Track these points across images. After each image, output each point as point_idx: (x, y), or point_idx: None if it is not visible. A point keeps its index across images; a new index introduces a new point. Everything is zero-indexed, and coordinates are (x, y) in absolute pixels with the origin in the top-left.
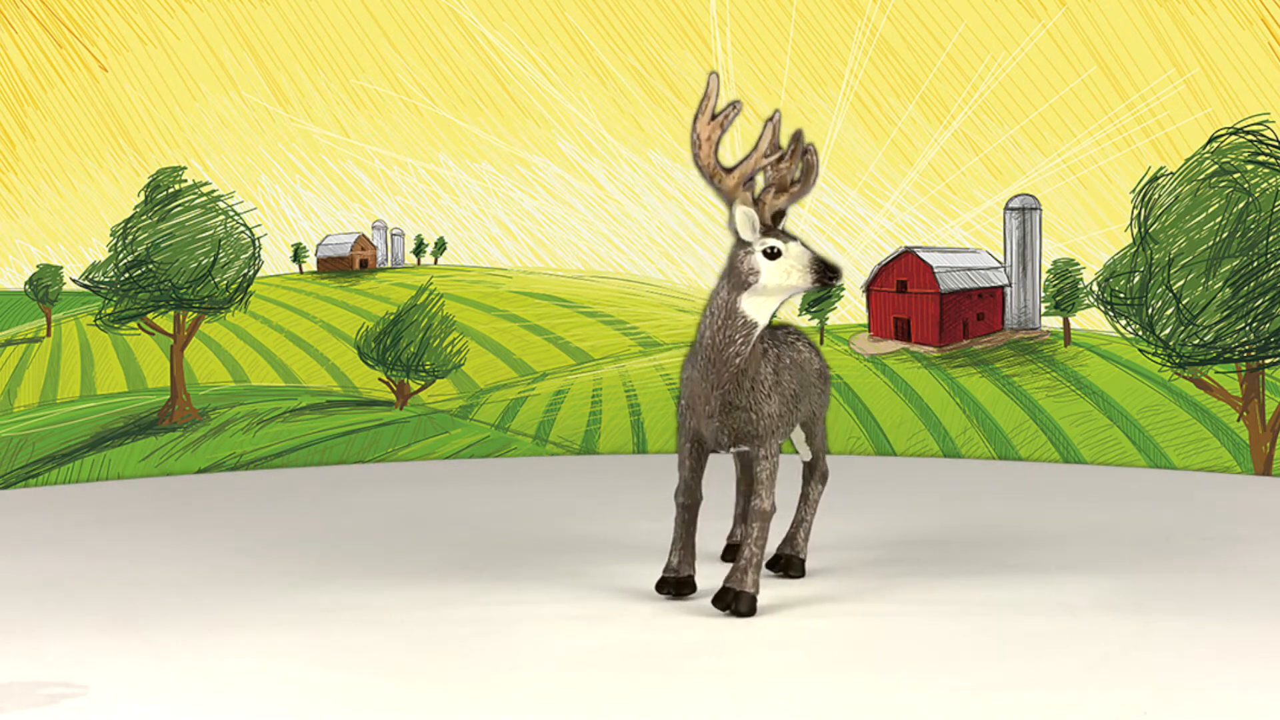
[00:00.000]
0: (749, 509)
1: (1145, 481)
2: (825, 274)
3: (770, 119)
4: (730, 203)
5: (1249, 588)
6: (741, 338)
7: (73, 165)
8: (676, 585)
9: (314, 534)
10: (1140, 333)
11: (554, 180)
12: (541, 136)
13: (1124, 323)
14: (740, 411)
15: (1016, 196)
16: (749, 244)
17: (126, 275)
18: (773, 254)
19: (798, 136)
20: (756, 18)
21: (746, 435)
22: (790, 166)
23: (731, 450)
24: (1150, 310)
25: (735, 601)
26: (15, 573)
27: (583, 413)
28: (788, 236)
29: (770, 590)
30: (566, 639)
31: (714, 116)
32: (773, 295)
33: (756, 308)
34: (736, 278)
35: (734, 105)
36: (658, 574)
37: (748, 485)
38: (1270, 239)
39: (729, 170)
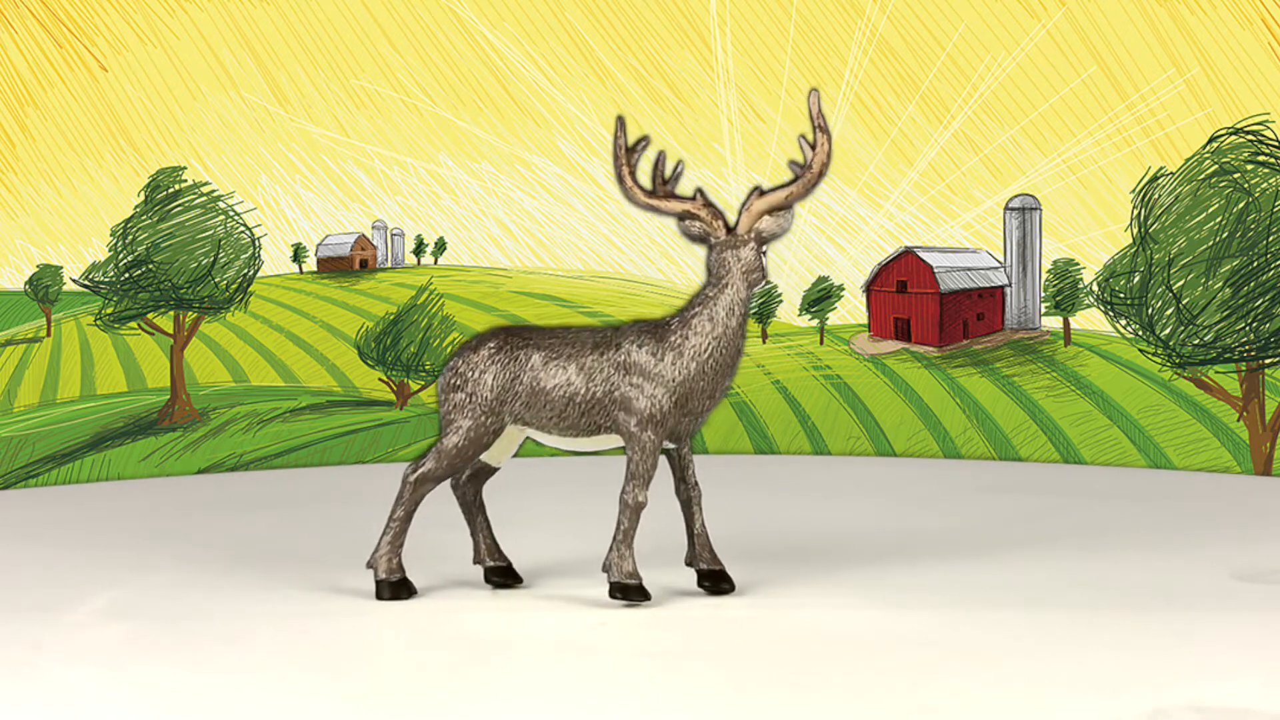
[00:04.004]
0: (694, 496)
1: (1145, 481)
2: None
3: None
4: (793, 202)
5: (1247, 586)
6: (744, 331)
7: (73, 165)
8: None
9: (312, 534)
10: (1140, 333)
11: (554, 180)
12: (541, 136)
13: (1124, 323)
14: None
15: (1016, 196)
16: (764, 244)
17: (126, 275)
18: (765, 253)
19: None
20: (756, 18)
21: (700, 427)
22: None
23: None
24: (1150, 310)
25: (726, 581)
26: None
27: None
28: None
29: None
30: (566, 638)
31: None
32: None
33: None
34: (756, 275)
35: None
36: (659, 574)
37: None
38: (1270, 239)
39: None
